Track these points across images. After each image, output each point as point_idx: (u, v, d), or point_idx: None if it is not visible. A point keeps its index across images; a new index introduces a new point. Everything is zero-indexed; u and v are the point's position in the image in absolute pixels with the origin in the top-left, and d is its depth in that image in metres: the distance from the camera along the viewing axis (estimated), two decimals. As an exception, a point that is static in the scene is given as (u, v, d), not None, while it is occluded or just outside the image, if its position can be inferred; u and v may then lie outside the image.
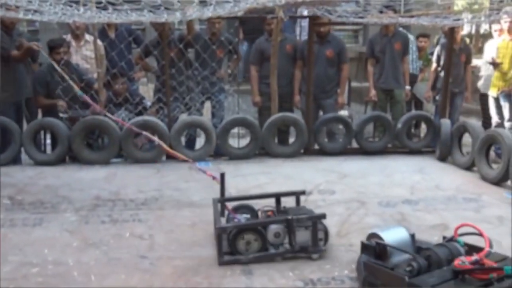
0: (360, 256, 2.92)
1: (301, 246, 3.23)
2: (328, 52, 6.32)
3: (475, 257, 2.61)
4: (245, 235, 3.25)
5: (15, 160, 5.85)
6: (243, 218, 3.46)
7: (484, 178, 5.12)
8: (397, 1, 6.11)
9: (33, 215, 4.11)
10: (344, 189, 4.81)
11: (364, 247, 2.91)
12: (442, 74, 6.58)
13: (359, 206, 4.31)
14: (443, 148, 5.93)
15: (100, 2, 3.97)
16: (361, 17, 6.33)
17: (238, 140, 6.44)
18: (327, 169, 5.53)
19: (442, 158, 5.97)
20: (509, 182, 4.85)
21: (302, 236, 3.23)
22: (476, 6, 7.46)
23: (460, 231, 2.91)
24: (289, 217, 3.24)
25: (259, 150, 6.14)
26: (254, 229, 3.29)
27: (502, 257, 2.75)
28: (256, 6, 4.03)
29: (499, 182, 4.95)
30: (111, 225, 3.91)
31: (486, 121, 6.68)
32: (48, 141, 6.14)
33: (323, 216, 3.26)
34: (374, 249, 2.84)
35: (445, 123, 6.03)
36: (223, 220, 3.51)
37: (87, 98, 5.10)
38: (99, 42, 5.95)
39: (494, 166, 5.22)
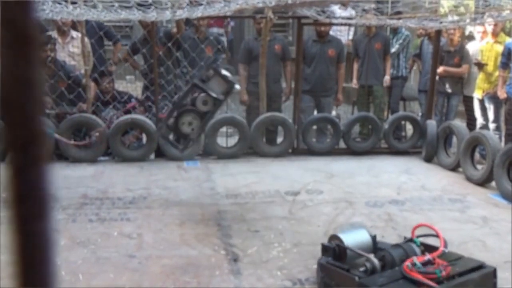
0: (320, 258, 2.96)
1: None
2: (330, 51, 6.51)
3: (427, 257, 2.71)
4: None
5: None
6: None
7: (469, 179, 5.20)
8: (385, 3, 6.17)
9: (19, 213, 4.07)
10: (332, 189, 4.85)
11: (324, 249, 2.94)
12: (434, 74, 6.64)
13: (347, 206, 4.35)
14: (429, 149, 6.01)
15: (90, 0, 3.94)
16: (349, 18, 6.40)
17: (226, 139, 6.45)
18: (315, 169, 5.57)
19: (428, 159, 6.04)
20: (493, 183, 4.93)
21: None
22: (462, 9, 7.54)
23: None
24: None
25: (247, 150, 6.16)
26: None
27: (456, 257, 2.84)
28: (246, 7, 4.03)
29: (483, 183, 5.03)
30: (99, 223, 3.89)
31: (471, 123, 6.78)
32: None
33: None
34: (334, 250, 2.88)
35: (431, 124, 6.11)
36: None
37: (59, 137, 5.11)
38: (86, 38, 5.89)
39: (479, 167, 5.31)
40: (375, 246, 2.97)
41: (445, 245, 2.84)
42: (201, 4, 4.05)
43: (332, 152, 6.30)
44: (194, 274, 3.08)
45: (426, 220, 4.02)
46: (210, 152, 6.08)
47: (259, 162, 5.89)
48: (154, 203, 4.38)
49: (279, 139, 6.47)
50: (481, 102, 6.48)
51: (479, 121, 6.55)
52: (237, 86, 3.88)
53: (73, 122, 5.69)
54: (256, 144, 6.09)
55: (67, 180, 4.99)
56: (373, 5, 6.27)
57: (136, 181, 5.03)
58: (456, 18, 6.24)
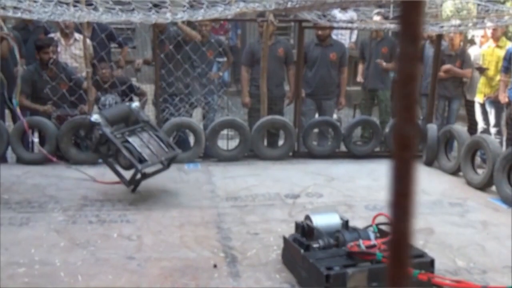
0: (291, 234, 3.27)
1: None
2: (331, 55, 6.52)
3: (373, 242, 2.97)
4: None
5: (2, 159, 5.80)
6: None
7: (469, 183, 5.19)
8: (387, 7, 6.18)
9: (20, 214, 4.08)
10: (332, 192, 4.85)
11: (296, 227, 3.31)
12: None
13: (347, 210, 4.35)
14: (429, 153, 6.00)
15: (91, 4, 3.96)
16: (350, 22, 6.42)
17: (227, 142, 6.46)
18: (315, 172, 5.57)
19: (429, 163, 6.04)
20: (493, 187, 4.93)
21: None
22: (464, 12, 7.54)
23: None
24: None
25: (248, 152, 6.16)
26: None
27: None
28: (246, 11, 4.05)
29: (484, 187, 5.03)
30: (99, 225, 3.90)
31: (472, 127, 6.77)
32: (36, 140, 6.10)
33: None
34: (303, 228, 3.22)
35: (432, 128, 6.11)
36: None
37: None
38: (88, 41, 5.91)
39: (479, 171, 5.30)
40: (346, 229, 3.26)
41: None
42: (201, 8, 4.07)
43: (332, 155, 6.30)
44: (193, 276, 3.09)
45: (425, 224, 4.02)
46: (211, 155, 6.09)
47: (259, 165, 5.89)
48: (154, 205, 4.39)
49: (280, 142, 6.47)
50: (482, 106, 6.48)
51: (480, 125, 6.54)
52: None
53: (74, 124, 5.70)
54: (257, 147, 6.09)
55: (68, 182, 5.01)
56: (382, 10, 6.30)
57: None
58: (457, 22, 6.25)
